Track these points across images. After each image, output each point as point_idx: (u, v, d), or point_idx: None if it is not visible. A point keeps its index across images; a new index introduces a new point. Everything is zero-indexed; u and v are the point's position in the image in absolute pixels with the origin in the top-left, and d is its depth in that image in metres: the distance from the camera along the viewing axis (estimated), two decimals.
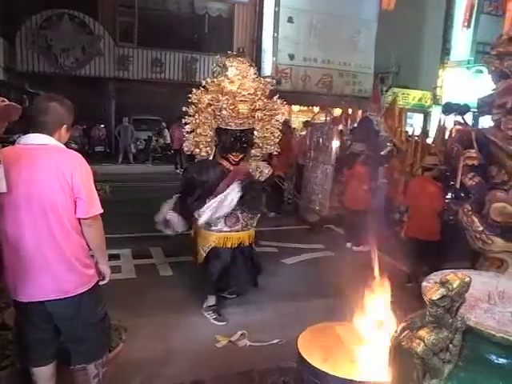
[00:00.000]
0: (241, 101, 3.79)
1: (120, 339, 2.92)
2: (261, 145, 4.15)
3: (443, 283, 1.25)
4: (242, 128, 3.83)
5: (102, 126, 16.03)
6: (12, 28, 13.92)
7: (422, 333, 1.28)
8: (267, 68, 16.69)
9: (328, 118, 8.77)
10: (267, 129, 4.09)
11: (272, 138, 4.16)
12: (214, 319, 3.97)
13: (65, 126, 2.28)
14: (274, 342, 3.59)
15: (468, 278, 1.28)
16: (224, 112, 3.76)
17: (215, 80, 3.94)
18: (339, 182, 7.30)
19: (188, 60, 16.27)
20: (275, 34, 16.39)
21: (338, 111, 10.94)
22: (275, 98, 4.11)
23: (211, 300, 4.09)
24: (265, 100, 3.98)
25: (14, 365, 2.60)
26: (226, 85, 3.86)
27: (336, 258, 5.96)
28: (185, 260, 4.96)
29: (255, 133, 4.03)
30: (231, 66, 3.92)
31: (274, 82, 15.70)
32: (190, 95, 3.91)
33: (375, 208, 7.91)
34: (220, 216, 3.82)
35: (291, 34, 16.50)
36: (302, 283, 4.94)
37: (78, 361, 2.43)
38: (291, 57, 16.63)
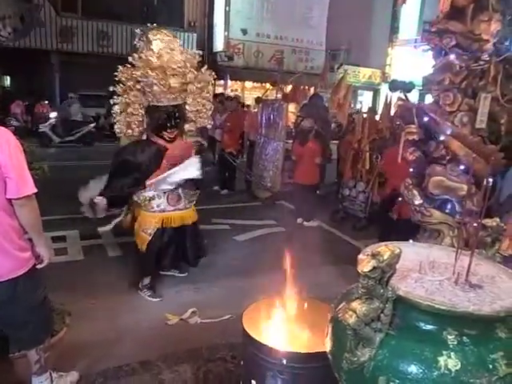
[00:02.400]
0: (172, 75, 3.65)
1: (63, 323, 2.81)
2: (194, 119, 4.05)
3: (374, 255, 1.28)
4: (174, 103, 3.73)
5: (46, 102, 15.16)
6: None
7: (355, 304, 1.31)
8: (219, 43, 16.35)
9: (279, 95, 8.75)
10: (198, 102, 3.99)
11: (204, 110, 4.07)
12: (149, 296, 3.96)
13: None
14: (225, 318, 3.61)
15: (398, 250, 1.32)
16: (155, 88, 3.61)
17: (142, 55, 3.72)
18: (290, 158, 7.35)
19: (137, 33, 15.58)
20: (227, 8, 16.01)
21: (290, 88, 10.93)
22: (203, 69, 3.98)
23: (146, 280, 4.05)
24: (195, 72, 3.86)
25: None
26: (154, 59, 3.68)
27: (287, 234, 6.06)
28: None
29: (187, 107, 3.92)
30: (155, 40, 3.74)
31: (226, 57, 15.56)
32: (116, 73, 3.74)
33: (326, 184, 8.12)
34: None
35: (244, 9, 16.18)
36: (253, 259, 4.97)
37: (18, 347, 2.34)
38: (244, 32, 16.33)
